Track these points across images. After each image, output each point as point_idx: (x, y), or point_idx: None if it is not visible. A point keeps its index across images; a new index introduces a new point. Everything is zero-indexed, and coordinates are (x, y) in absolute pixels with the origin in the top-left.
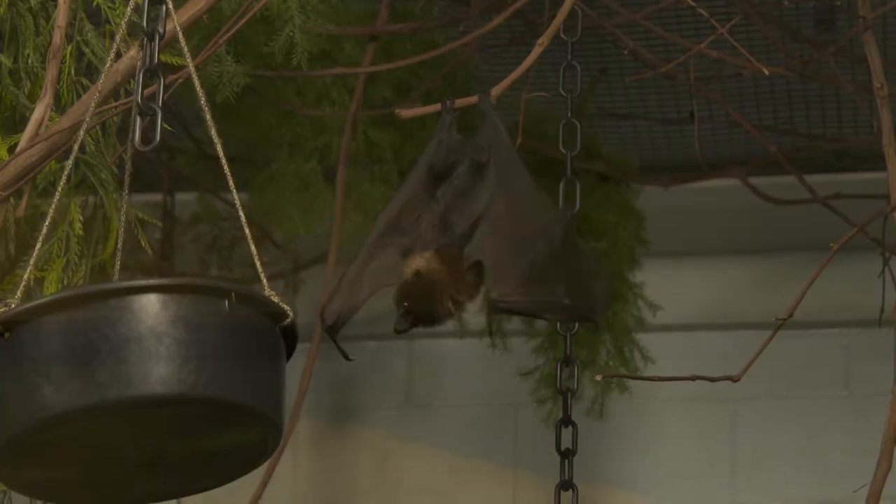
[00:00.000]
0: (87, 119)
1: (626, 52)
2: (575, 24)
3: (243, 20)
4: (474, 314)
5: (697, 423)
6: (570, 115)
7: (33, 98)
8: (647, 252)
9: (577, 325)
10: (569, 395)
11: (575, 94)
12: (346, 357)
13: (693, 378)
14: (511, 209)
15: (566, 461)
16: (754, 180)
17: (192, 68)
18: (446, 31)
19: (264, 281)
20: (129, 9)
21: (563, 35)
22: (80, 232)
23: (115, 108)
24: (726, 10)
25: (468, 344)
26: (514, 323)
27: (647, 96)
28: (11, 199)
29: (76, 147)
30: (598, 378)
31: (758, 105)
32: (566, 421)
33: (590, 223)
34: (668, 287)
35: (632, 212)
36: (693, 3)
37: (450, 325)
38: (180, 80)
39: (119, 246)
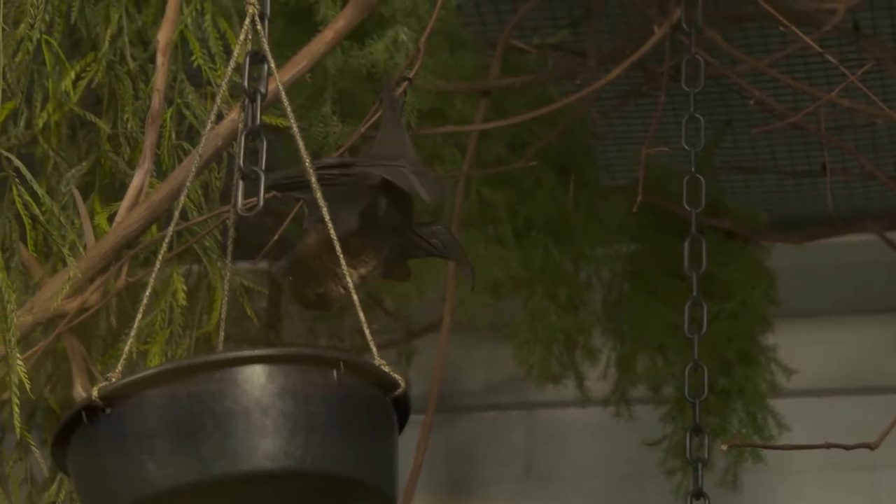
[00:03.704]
0: (188, 184)
1: (751, 102)
2: (697, 74)
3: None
4: (597, 381)
5: (837, 494)
6: (693, 169)
7: (133, 164)
8: (780, 313)
9: (705, 392)
10: (700, 466)
11: (698, 147)
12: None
13: (827, 446)
14: None
15: None
16: (892, 235)
17: (295, 128)
18: (561, 84)
19: (374, 350)
20: (229, 69)
21: (684, 86)
22: (184, 302)
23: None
24: (857, 55)
25: (591, 412)
26: (640, 391)
27: (776, 148)
28: (112, 270)
29: (177, 214)
30: (725, 447)
31: (894, 155)
32: (698, 493)
33: (717, 283)
34: (802, 349)
35: (762, 270)
36: (821, 50)
37: (572, 393)
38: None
39: (223, 315)
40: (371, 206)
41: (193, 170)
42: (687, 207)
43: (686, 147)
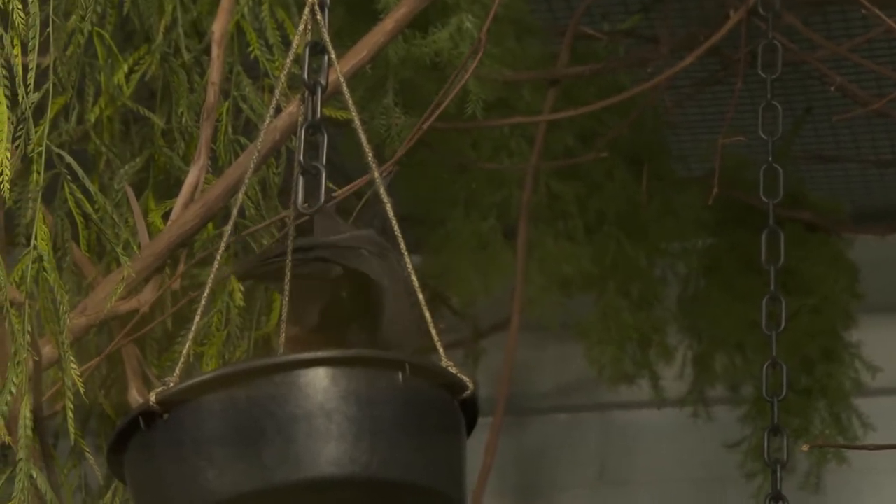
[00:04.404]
0: (246, 181)
1: (832, 88)
2: (775, 60)
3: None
4: (673, 381)
5: None
6: (770, 159)
7: (188, 160)
8: (863, 308)
9: (784, 390)
10: (778, 468)
11: (776, 136)
12: None
13: None
14: None
15: None
16: None
17: (357, 121)
18: (633, 71)
19: (441, 350)
20: (288, 60)
21: (761, 72)
22: (242, 303)
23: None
24: None
25: (666, 414)
26: (718, 390)
27: (859, 136)
28: (167, 270)
29: (235, 211)
30: (807, 448)
31: None
32: (776, 496)
33: (798, 278)
34: (887, 346)
35: (844, 264)
36: None
37: (646, 394)
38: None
39: (283, 317)
40: (333, 301)
41: (251, 165)
42: (764, 199)
43: (763, 136)
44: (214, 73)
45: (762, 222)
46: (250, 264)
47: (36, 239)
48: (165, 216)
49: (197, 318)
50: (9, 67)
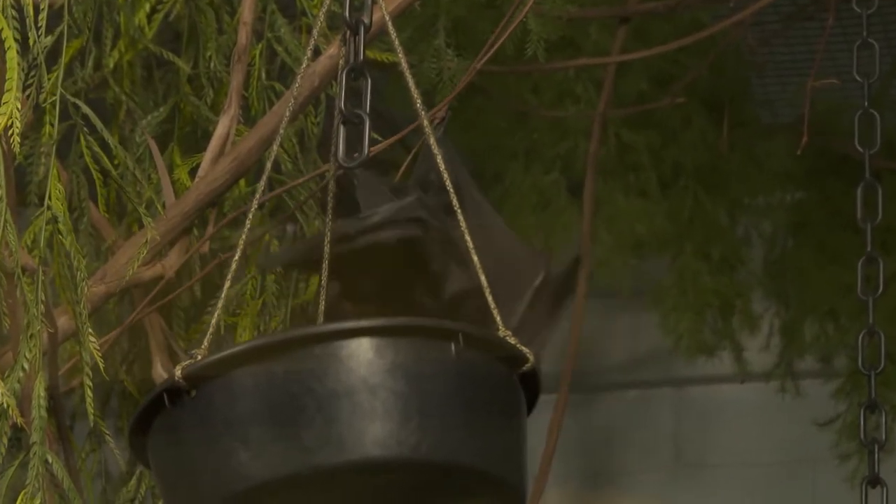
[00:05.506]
0: (282, 132)
1: None
2: None
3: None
4: (757, 353)
5: None
6: (866, 104)
7: (217, 109)
8: None
9: (882, 362)
10: (876, 448)
11: (873, 77)
12: None
13: None
14: None
15: None
16: None
17: (404, 64)
18: (713, 7)
19: (498, 319)
20: None
21: (856, 7)
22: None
23: None
24: None
25: (750, 389)
26: (808, 362)
27: None
28: (195, 231)
29: (269, 165)
30: None
31: None
32: (874, 480)
33: None
34: None
35: None
36: None
37: (728, 367)
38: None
39: (324, 282)
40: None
41: (287, 115)
42: (859, 148)
43: (859, 78)
44: (246, 11)
45: (857, 174)
46: (295, 253)
47: (50, 198)
48: (192, 172)
49: (227, 284)
50: (19, 8)
